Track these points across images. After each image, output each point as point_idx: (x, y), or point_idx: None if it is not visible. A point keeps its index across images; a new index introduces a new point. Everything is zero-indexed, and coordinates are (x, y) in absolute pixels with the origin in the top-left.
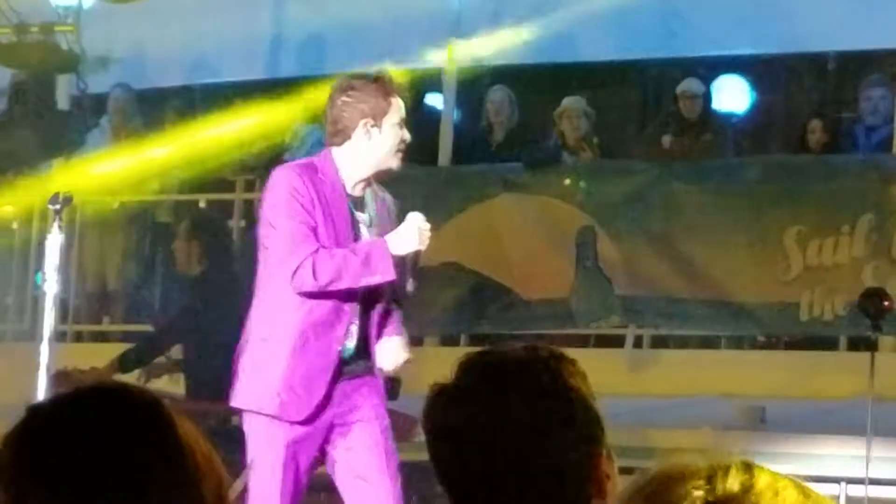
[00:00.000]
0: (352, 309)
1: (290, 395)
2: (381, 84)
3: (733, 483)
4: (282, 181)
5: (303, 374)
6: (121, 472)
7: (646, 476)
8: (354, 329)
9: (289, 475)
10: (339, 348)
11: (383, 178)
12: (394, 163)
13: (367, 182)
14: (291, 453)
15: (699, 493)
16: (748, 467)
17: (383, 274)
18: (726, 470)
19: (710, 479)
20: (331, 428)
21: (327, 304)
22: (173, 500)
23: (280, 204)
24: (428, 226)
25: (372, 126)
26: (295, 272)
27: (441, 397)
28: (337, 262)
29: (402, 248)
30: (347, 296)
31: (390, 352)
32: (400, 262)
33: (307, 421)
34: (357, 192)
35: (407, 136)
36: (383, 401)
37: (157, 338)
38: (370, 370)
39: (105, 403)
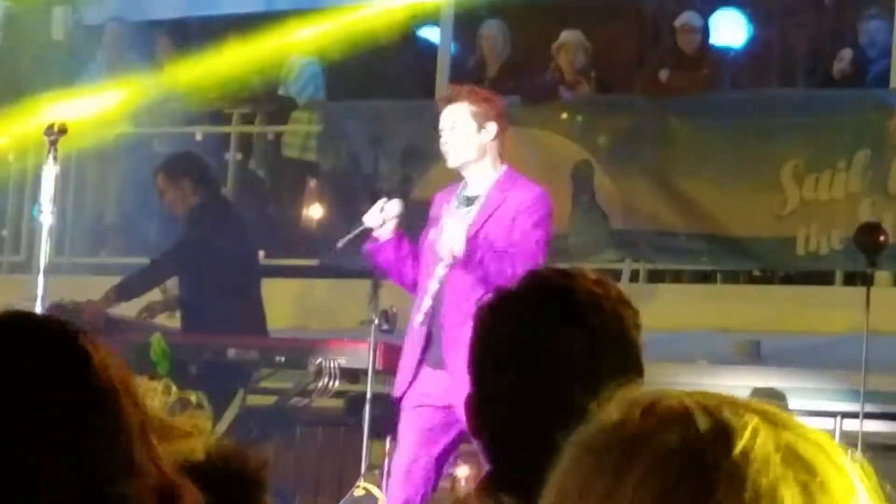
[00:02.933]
0: (430, 296)
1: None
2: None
3: (705, 427)
4: None
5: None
6: (26, 410)
7: (603, 419)
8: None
9: (413, 433)
10: (422, 334)
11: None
12: (448, 161)
13: (470, 179)
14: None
15: (672, 437)
16: (715, 407)
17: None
18: (701, 409)
19: (683, 421)
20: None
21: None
22: (91, 432)
23: None
24: (383, 213)
25: None
26: None
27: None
28: None
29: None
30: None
31: (450, 229)
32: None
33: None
34: (467, 192)
35: (443, 138)
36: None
37: (153, 269)
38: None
39: (10, 335)
